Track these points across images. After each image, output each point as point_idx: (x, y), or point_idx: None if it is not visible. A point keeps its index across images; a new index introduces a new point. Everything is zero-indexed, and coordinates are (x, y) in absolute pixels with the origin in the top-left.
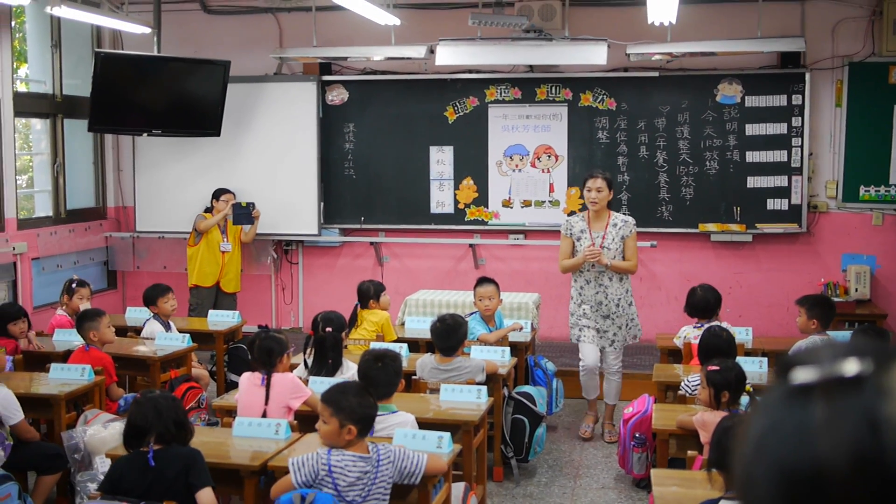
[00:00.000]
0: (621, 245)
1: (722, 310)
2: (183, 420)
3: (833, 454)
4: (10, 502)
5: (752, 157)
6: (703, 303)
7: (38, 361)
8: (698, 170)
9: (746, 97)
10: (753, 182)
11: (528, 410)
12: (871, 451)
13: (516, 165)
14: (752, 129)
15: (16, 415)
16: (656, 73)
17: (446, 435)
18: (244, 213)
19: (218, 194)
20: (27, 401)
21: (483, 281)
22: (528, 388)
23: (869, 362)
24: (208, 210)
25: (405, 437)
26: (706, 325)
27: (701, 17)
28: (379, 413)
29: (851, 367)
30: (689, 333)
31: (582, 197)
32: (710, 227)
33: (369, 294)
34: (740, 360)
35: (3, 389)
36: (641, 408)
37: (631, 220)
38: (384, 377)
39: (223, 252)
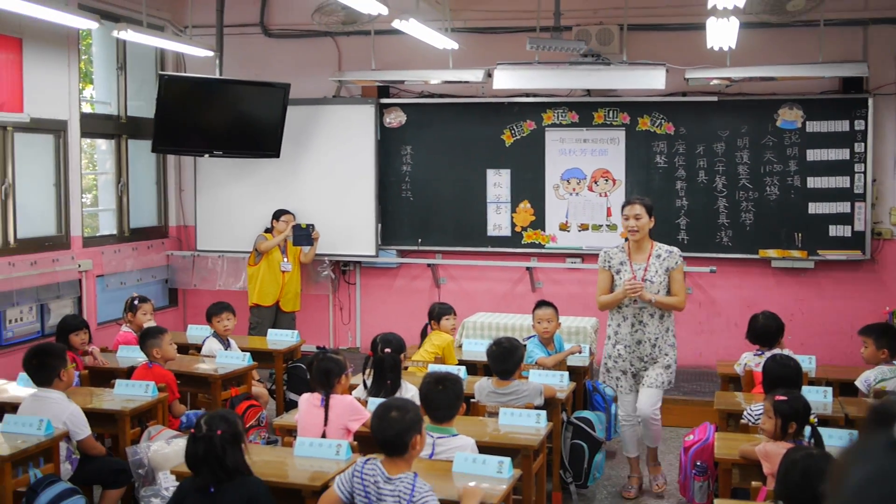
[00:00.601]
0: (666, 278)
1: (784, 337)
2: (240, 465)
3: None
4: None
5: (814, 182)
6: (764, 330)
7: (102, 377)
8: (758, 195)
9: (808, 122)
10: (815, 208)
11: (586, 435)
12: None
13: (573, 189)
14: (813, 155)
15: (83, 430)
16: (715, 98)
17: (507, 460)
18: (304, 235)
19: (278, 215)
20: (93, 416)
21: (542, 304)
22: (586, 413)
23: None
24: (268, 230)
25: (465, 462)
26: (768, 353)
27: (761, 42)
28: (439, 436)
29: None
30: (751, 361)
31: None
32: (771, 253)
33: (431, 315)
34: (804, 389)
35: (71, 405)
36: (703, 436)
37: (676, 250)
38: (445, 400)
39: (283, 272)
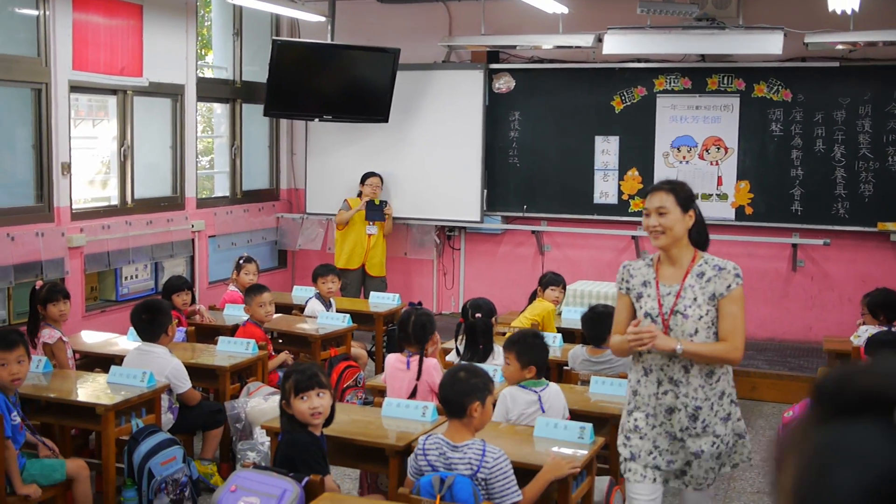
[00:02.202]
0: (712, 311)
1: None
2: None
3: None
4: (175, 465)
5: None
6: (887, 301)
7: (208, 334)
8: (879, 165)
9: None
10: None
11: None
12: None
13: (683, 157)
14: None
15: (184, 384)
16: (837, 63)
17: (588, 426)
18: (377, 210)
19: (364, 178)
20: (196, 370)
21: None
22: None
23: None
24: (359, 194)
25: (547, 427)
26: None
27: (887, 4)
28: (540, 389)
29: None
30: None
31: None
32: (891, 226)
33: (541, 282)
34: None
35: (174, 360)
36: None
37: (732, 266)
38: (541, 355)
39: (369, 235)
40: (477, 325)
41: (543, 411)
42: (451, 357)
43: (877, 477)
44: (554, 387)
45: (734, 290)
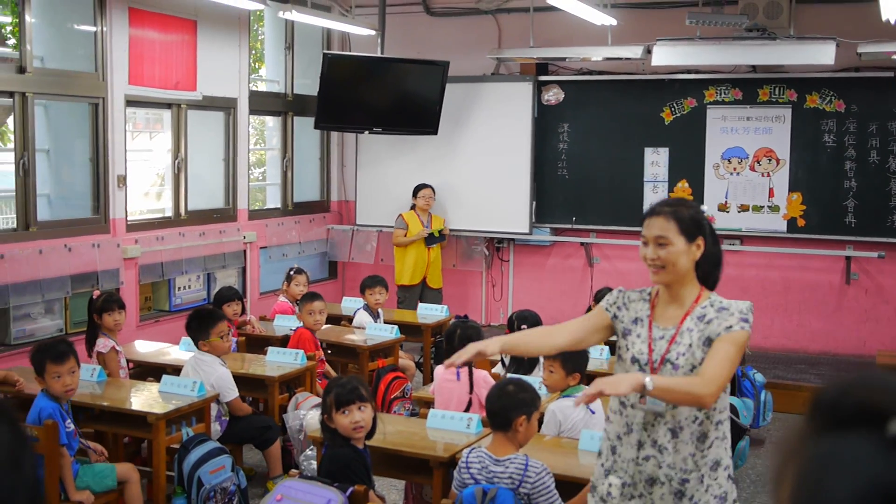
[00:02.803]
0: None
1: None
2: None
3: None
4: (224, 473)
5: None
6: None
7: (259, 345)
8: None
9: None
10: None
11: (730, 422)
12: None
13: (734, 168)
14: None
15: (231, 392)
16: (891, 73)
17: None
18: (437, 240)
19: (416, 190)
20: (246, 380)
21: None
22: (732, 399)
23: None
24: (413, 207)
25: (591, 440)
26: None
27: None
28: (575, 395)
29: None
30: None
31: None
32: None
33: (595, 297)
34: None
35: (220, 369)
36: None
37: (741, 307)
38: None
39: (428, 248)
40: None
41: (594, 412)
42: (497, 369)
43: (868, 488)
44: None
45: (735, 332)
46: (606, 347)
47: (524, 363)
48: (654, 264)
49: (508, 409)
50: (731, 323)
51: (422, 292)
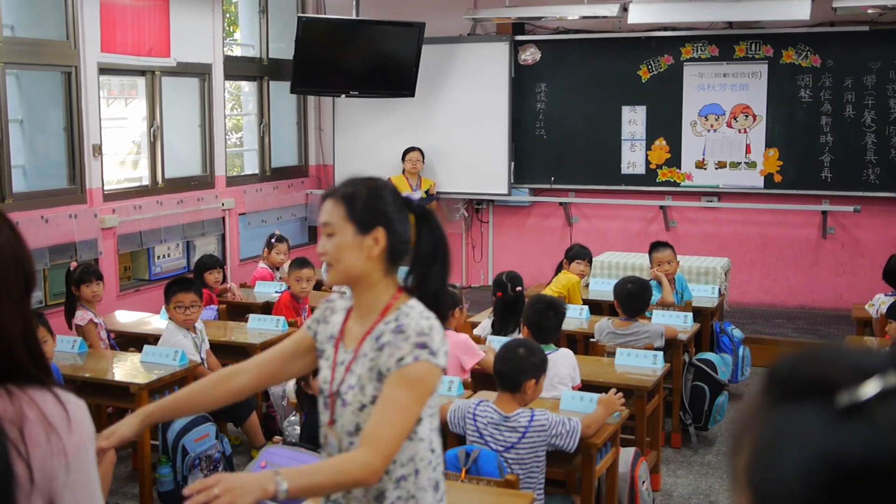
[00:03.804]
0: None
1: None
2: None
3: None
4: (209, 441)
5: None
6: (893, 271)
7: (240, 312)
8: None
9: None
10: None
11: (708, 378)
12: None
13: (711, 125)
14: None
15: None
16: (866, 27)
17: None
18: (425, 202)
19: (405, 154)
20: (227, 348)
21: (659, 245)
22: (709, 356)
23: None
24: (403, 172)
25: (572, 400)
26: None
27: None
28: (546, 352)
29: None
30: (885, 303)
31: None
32: None
33: (567, 254)
34: None
35: (177, 338)
36: None
37: (420, 328)
38: (556, 324)
39: None
40: (519, 299)
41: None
42: (482, 330)
43: (818, 458)
44: (563, 352)
45: (407, 366)
46: (586, 307)
47: (511, 323)
48: (323, 260)
49: (519, 372)
50: (404, 353)
51: None
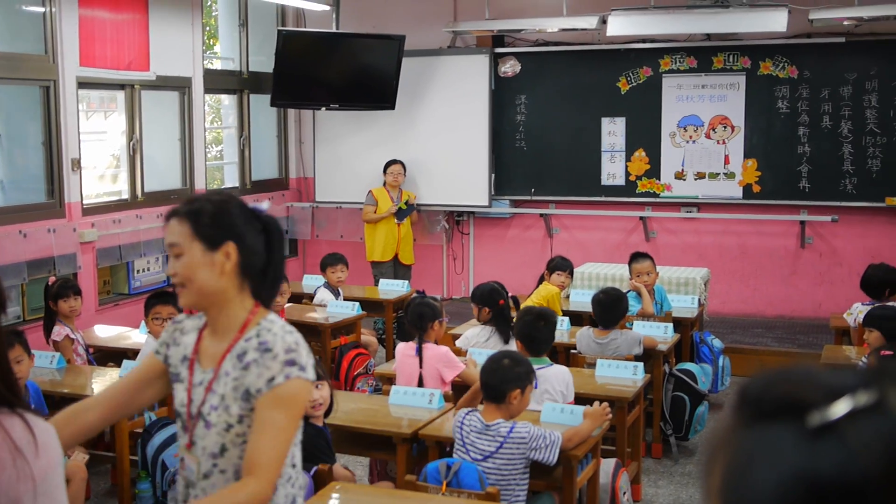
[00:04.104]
0: (250, 417)
1: None
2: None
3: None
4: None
5: None
6: (869, 280)
7: None
8: (886, 140)
9: None
10: None
11: (688, 388)
12: None
13: (690, 136)
14: None
15: None
16: (842, 39)
17: (579, 409)
18: (405, 213)
19: (386, 166)
20: None
21: (638, 256)
22: (689, 366)
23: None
24: (385, 184)
25: (553, 412)
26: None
27: None
28: (538, 367)
29: (863, 397)
30: (862, 312)
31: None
32: None
33: (548, 266)
34: None
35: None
36: None
37: (287, 345)
38: (546, 335)
39: (398, 224)
40: (504, 311)
41: (535, 387)
42: (463, 343)
43: (791, 478)
44: (557, 368)
45: (279, 386)
46: (567, 318)
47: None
48: (174, 282)
49: (504, 382)
50: (274, 372)
51: (395, 270)
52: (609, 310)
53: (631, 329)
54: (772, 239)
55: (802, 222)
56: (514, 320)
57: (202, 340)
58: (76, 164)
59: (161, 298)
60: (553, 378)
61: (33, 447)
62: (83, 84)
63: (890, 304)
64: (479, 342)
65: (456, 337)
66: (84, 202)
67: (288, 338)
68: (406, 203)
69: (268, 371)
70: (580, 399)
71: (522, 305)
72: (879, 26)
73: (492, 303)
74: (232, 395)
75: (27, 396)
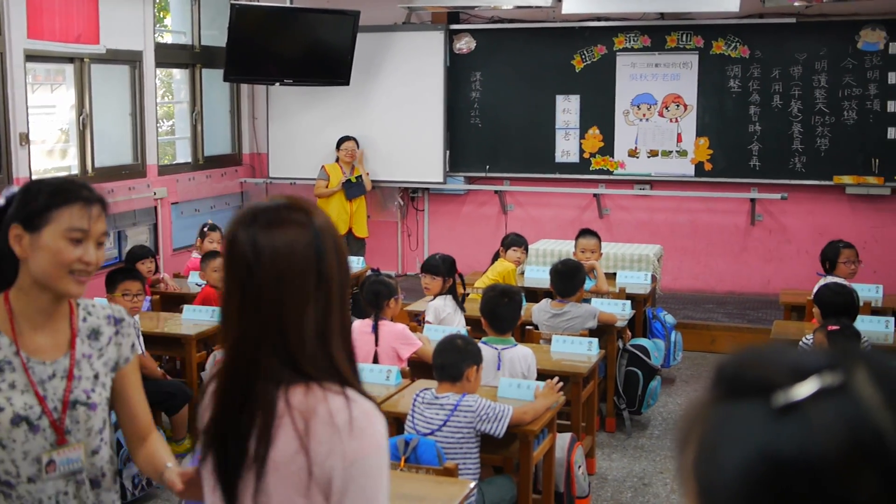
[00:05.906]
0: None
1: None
2: None
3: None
4: None
5: (895, 106)
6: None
7: (173, 302)
8: (835, 120)
9: (891, 44)
10: (894, 133)
11: (641, 363)
12: (870, 441)
13: (643, 115)
14: (895, 78)
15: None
16: (793, 20)
17: (537, 383)
18: (356, 186)
19: (339, 143)
20: (162, 339)
21: (586, 233)
22: (642, 341)
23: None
24: (337, 160)
25: (509, 387)
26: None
27: None
28: (503, 347)
29: (830, 378)
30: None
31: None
32: (846, 179)
33: (503, 242)
34: (867, 319)
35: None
36: None
37: (121, 310)
38: (509, 312)
39: (350, 201)
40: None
41: (498, 369)
42: (432, 316)
43: (753, 455)
44: (522, 349)
45: (137, 351)
46: (522, 294)
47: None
48: (90, 271)
49: (460, 362)
50: (133, 339)
51: (350, 244)
52: (567, 279)
53: (589, 303)
54: (723, 216)
55: (753, 200)
56: (481, 298)
57: (20, 338)
58: (24, 138)
59: (129, 274)
60: (518, 360)
61: (348, 427)
62: (31, 57)
63: (833, 279)
64: (449, 313)
65: (414, 313)
66: (33, 177)
67: (116, 307)
68: (357, 178)
69: (128, 338)
70: (537, 375)
71: (478, 283)
72: (829, 8)
73: (453, 272)
74: (104, 371)
75: None
